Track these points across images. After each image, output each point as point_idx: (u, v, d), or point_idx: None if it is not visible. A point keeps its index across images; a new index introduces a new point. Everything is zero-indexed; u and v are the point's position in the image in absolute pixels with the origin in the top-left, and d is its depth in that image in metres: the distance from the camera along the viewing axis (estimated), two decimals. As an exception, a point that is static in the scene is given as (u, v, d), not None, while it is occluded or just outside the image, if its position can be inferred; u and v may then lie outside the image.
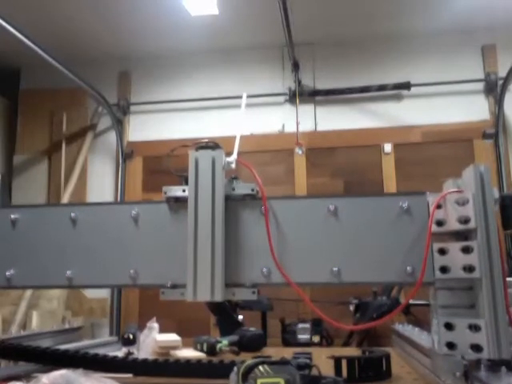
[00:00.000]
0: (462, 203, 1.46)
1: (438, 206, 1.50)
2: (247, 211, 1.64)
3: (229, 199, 1.64)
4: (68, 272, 1.66)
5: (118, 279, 1.65)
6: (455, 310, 1.47)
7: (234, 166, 1.69)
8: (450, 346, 1.44)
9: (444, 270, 1.47)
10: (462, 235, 1.52)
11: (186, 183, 1.63)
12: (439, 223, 1.50)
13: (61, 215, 1.70)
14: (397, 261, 1.54)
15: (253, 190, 1.64)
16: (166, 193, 1.66)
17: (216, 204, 1.59)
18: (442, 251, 1.48)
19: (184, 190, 1.64)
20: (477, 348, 1.40)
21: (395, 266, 1.54)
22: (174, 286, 1.60)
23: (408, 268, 1.52)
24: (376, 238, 1.57)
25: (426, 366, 1.81)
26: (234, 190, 1.65)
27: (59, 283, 1.67)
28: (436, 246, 1.48)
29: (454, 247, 1.46)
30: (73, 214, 1.69)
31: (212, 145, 1.63)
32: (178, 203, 1.66)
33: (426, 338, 1.99)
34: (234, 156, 1.70)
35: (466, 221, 1.45)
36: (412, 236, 1.55)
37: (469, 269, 1.43)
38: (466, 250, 1.44)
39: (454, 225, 1.47)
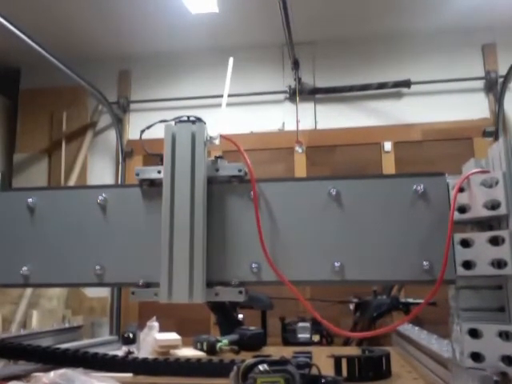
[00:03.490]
0: (490, 185, 1.16)
1: (461, 190, 1.19)
2: (234, 196, 1.34)
3: (212, 182, 1.35)
4: (24, 268, 1.36)
5: (81, 277, 1.35)
6: (481, 314, 1.18)
7: (217, 142, 1.39)
8: (476, 357, 1.14)
9: (468, 265, 1.18)
10: (486, 224, 1.21)
11: (162, 163, 1.33)
12: (462, 209, 1.20)
13: (16, 202, 1.41)
14: (411, 255, 1.24)
15: (240, 170, 1.34)
16: (138, 174, 1.36)
17: (196, 187, 1.30)
18: (466, 243, 1.18)
19: (159, 172, 1.34)
20: (509, 360, 1.10)
21: (409, 262, 1.24)
22: (147, 285, 1.30)
23: (424, 263, 1.22)
24: (386, 228, 1.27)
25: (431, 369, 1.60)
26: (217, 170, 1.35)
27: (13, 281, 1.37)
28: (458, 236, 1.19)
29: (480, 238, 1.16)
30: (30, 200, 1.39)
31: (193, 119, 1.34)
32: (153, 187, 1.36)
33: (426, 338, 1.86)
34: (218, 130, 1.39)
35: (494, 206, 1.15)
36: (429, 225, 1.24)
37: (498, 264, 1.14)
38: (495, 242, 1.14)
39: (479, 211, 1.17)
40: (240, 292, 1.29)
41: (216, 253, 1.31)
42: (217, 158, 1.36)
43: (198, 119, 1.35)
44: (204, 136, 1.33)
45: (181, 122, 1.34)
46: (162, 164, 1.34)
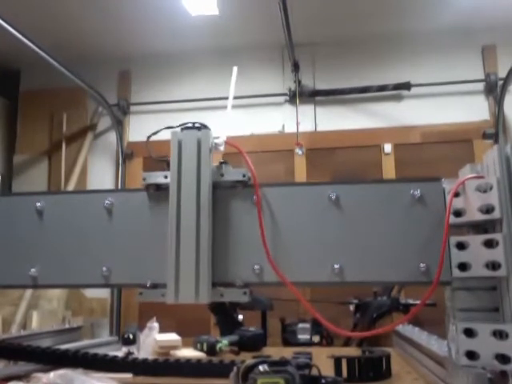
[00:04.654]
0: (485, 190, 1.20)
1: (456, 194, 1.24)
2: (238, 200, 1.39)
3: (217, 187, 1.39)
4: (32, 270, 1.40)
5: (88, 278, 1.39)
6: (476, 314, 1.22)
7: (222, 148, 1.43)
8: (471, 355, 1.18)
9: (463, 267, 1.22)
10: (481, 227, 1.26)
11: (169, 168, 1.38)
12: (457, 213, 1.24)
13: (25, 205, 1.45)
14: (408, 257, 1.29)
15: (244, 175, 1.38)
16: (145, 179, 1.41)
17: (202, 192, 1.34)
18: (461, 246, 1.22)
19: (166, 177, 1.39)
20: (503, 358, 1.14)
21: (406, 264, 1.28)
22: (154, 286, 1.35)
23: (421, 265, 1.27)
24: (384, 231, 1.31)
25: (431, 369, 1.63)
26: (222, 176, 1.39)
27: (21, 282, 1.41)
28: (454, 239, 1.23)
29: (475, 241, 1.20)
30: (38, 204, 1.44)
31: (198, 125, 1.38)
32: (159, 191, 1.41)
33: (426, 338, 1.88)
34: (223, 137, 1.44)
35: (488, 210, 1.19)
36: (425, 228, 1.29)
37: (492, 266, 1.18)
38: (490, 244, 1.18)
39: (474, 215, 1.21)
40: (244, 293, 1.33)
41: (221, 255, 1.35)
42: (221, 163, 1.40)
43: (204, 126, 1.39)
44: (209, 142, 1.38)
45: (187, 128, 1.39)
46: (168, 169, 1.38)
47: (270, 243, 1.33)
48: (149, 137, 1.50)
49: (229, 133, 1.47)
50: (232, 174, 1.40)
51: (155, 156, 1.43)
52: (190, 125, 1.40)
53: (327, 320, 1.33)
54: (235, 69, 1.61)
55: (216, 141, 1.42)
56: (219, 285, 1.35)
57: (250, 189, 1.38)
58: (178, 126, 1.41)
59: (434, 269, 1.24)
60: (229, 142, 1.44)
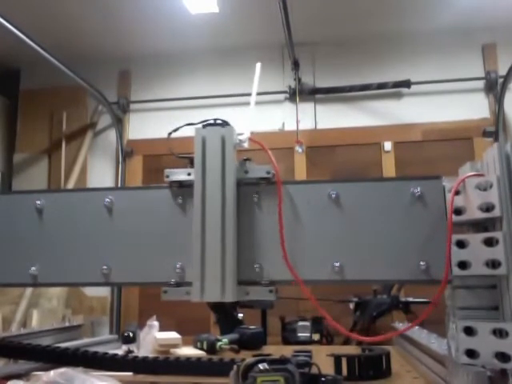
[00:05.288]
0: (485, 188, 1.20)
1: (456, 193, 1.24)
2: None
3: (240, 184, 1.39)
4: (32, 268, 1.40)
5: (88, 276, 1.39)
6: (476, 313, 1.21)
7: (246, 145, 1.43)
8: (471, 353, 1.18)
9: (463, 265, 1.22)
10: (481, 225, 1.26)
11: (192, 165, 1.38)
12: (457, 212, 1.24)
13: (25, 204, 1.45)
14: (408, 255, 1.28)
15: (268, 172, 1.38)
16: (168, 176, 1.41)
17: (227, 190, 1.34)
18: (461, 244, 1.22)
19: (189, 174, 1.39)
20: (503, 357, 1.14)
21: (406, 262, 1.28)
22: (178, 284, 1.35)
23: (421, 263, 1.26)
24: (384, 230, 1.31)
25: (431, 368, 1.62)
26: (247, 172, 1.39)
27: (21, 281, 1.41)
28: (454, 237, 1.22)
29: (475, 239, 1.20)
30: (38, 202, 1.44)
31: (221, 122, 1.38)
32: (181, 189, 1.41)
33: (425, 337, 1.88)
34: (247, 133, 1.43)
35: (488, 208, 1.19)
36: (426, 227, 1.29)
37: (492, 264, 1.18)
38: (490, 243, 1.18)
39: (474, 213, 1.21)
40: (270, 291, 1.32)
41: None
42: (245, 160, 1.41)
43: (226, 122, 1.39)
44: (233, 139, 1.38)
45: (210, 125, 1.38)
46: (191, 166, 1.38)
47: (274, 241, 1.33)
48: (169, 134, 1.50)
49: (252, 129, 1.47)
50: (256, 171, 1.40)
51: (177, 153, 1.43)
52: (211, 121, 1.40)
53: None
54: (258, 65, 1.60)
55: (240, 137, 1.41)
56: (245, 283, 1.34)
57: (270, 186, 1.39)
58: (199, 123, 1.41)
59: (434, 267, 1.24)
60: (252, 138, 1.44)
